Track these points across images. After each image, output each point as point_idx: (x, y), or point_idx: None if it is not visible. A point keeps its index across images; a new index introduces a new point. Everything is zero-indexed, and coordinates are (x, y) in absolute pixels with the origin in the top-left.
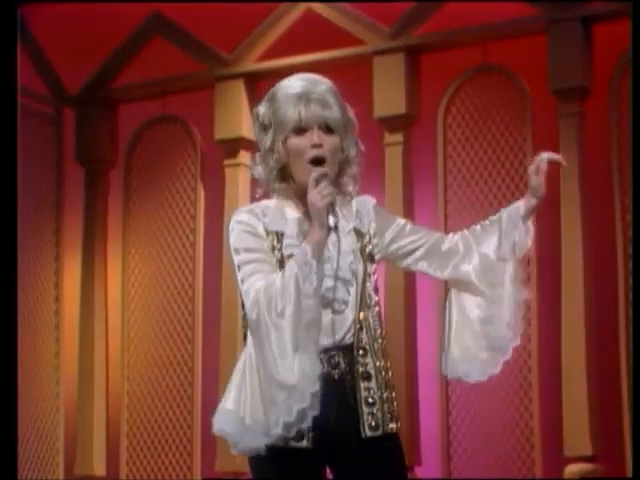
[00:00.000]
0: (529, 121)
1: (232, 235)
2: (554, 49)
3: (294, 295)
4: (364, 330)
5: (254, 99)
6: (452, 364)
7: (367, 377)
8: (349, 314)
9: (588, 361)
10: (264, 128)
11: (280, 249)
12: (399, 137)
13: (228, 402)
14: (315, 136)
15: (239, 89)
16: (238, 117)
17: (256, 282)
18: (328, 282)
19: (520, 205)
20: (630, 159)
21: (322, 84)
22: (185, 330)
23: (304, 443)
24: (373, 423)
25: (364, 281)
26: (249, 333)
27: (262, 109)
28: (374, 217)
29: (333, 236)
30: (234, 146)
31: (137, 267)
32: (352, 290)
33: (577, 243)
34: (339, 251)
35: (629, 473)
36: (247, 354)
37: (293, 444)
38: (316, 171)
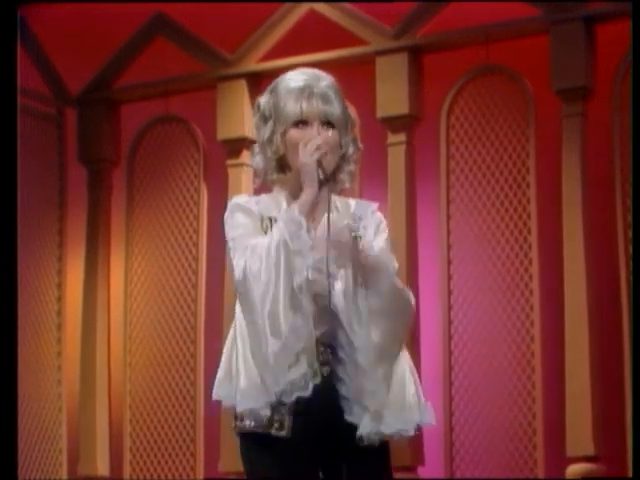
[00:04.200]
0: (532, 121)
1: (226, 215)
2: (557, 49)
3: (283, 252)
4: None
5: (256, 99)
6: None
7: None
8: (337, 308)
9: (591, 361)
10: (264, 119)
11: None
12: (402, 137)
13: (221, 370)
14: (315, 131)
15: (242, 89)
16: (241, 117)
17: (245, 252)
18: (314, 274)
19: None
20: (630, 159)
21: (324, 79)
22: (188, 330)
23: (283, 432)
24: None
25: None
26: (238, 300)
27: (263, 100)
28: (371, 225)
29: (324, 229)
30: (237, 146)
31: (140, 267)
32: (337, 286)
33: (579, 243)
34: (328, 216)
35: (631, 473)
36: (237, 322)
37: (273, 432)
38: (305, 137)
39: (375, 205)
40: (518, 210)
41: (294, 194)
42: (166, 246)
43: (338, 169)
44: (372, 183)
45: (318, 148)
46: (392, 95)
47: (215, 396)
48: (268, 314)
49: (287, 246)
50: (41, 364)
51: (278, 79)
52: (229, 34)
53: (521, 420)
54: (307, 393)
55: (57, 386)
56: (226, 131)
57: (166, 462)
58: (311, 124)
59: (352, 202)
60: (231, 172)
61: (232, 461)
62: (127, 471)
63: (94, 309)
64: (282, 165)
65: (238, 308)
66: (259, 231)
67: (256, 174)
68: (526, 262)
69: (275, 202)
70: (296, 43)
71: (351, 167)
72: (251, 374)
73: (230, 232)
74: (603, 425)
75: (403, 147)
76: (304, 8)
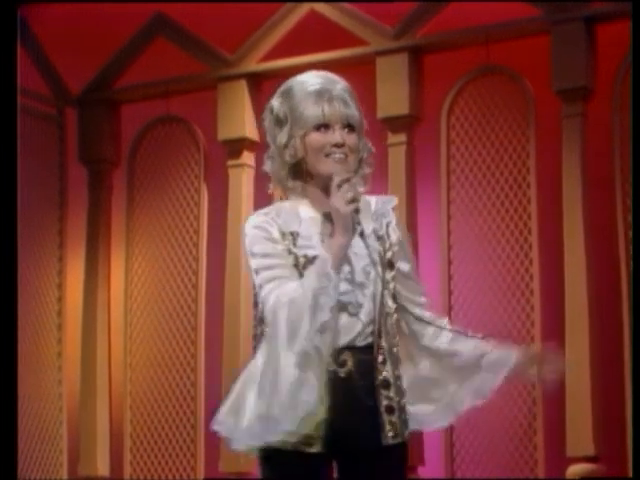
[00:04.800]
0: (532, 122)
1: (247, 239)
2: (557, 49)
3: (311, 306)
4: (383, 338)
5: (257, 99)
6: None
7: (386, 385)
8: (363, 317)
9: (591, 362)
10: (279, 123)
11: (295, 250)
12: (402, 137)
13: (228, 405)
14: (337, 134)
15: (242, 89)
16: (241, 117)
17: (273, 289)
18: (343, 286)
19: (512, 359)
20: (630, 159)
21: (339, 82)
22: (188, 331)
23: (314, 448)
24: (393, 432)
25: (383, 288)
26: (265, 338)
27: (276, 103)
28: (394, 223)
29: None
30: (237, 146)
31: (140, 268)
32: (367, 292)
33: (579, 243)
34: (354, 254)
35: (631, 473)
36: (263, 355)
37: (303, 448)
38: (338, 175)
39: (395, 201)
40: (518, 210)
41: (314, 202)
42: (166, 247)
43: (355, 173)
44: (372, 183)
45: (355, 200)
46: (392, 95)
47: (217, 428)
48: (285, 366)
49: (317, 300)
50: (41, 364)
51: (291, 82)
52: (229, 34)
53: (521, 420)
54: (312, 449)
55: (57, 386)
56: (226, 131)
57: (166, 462)
58: (332, 127)
59: (372, 200)
60: (231, 172)
61: (232, 461)
62: (127, 471)
63: (94, 309)
64: (298, 171)
65: (264, 342)
66: (282, 258)
67: (271, 180)
68: (527, 262)
69: (294, 213)
70: (296, 43)
71: (365, 170)
72: (261, 411)
73: (253, 261)
74: (603, 425)
75: (403, 147)
76: (304, 8)
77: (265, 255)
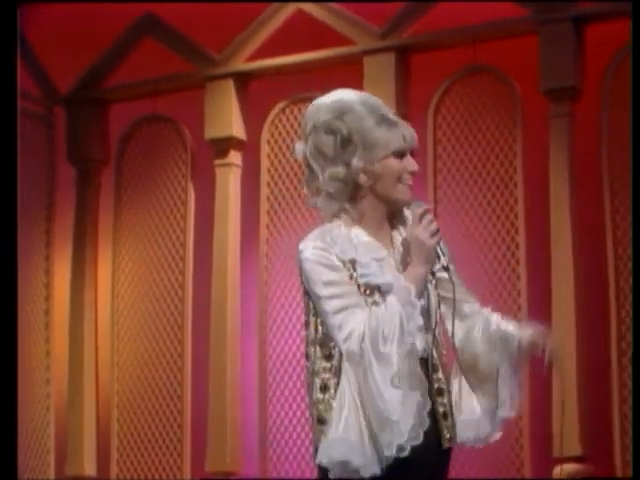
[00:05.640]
0: (519, 122)
1: (307, 268)
2: (545, 49)
3: (398, 333)
4: (435, 347)
5: (244, 99)
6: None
7: (441, 392)
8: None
9: (578, 362)
10: (347, 144)
11: (356, 277)
12: None
13: (339, 431)
14: (412, 161)
15: (229, 89)
16: (228, 117)
17: (348, 317)
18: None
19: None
20: (630, 159)
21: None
22: (175, 330)
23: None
24: (449, 436)
25: (428, 298)
26: (347, 364)
27: (339, 124)
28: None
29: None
30: (224, 146)
31: (127, 267)
32: (421, 306)
33: (567, 243)
34: (453, 285)
35: (618, 473)
36: (349, 384)
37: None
38: (418, 205)
39: (424, 206)
40: (505, 210)
41: (372, 227)
42: (153, 246)
43: None
44: None
45: (438, 231)
46: (379, 95)
47: (329, 456)
48: (383, 389)
49: (403, 326)
50: (29, 363)
51: (347, 100)
52: (217, 34)
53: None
54: (419, 441)
55: (46, 385)
56: (214, 131)
57: (153, 462)
58: (406, 154)
59: (408, 213)
60: (219, 172)
61: (219, 461)
62: (114, 471)
63: (81, 308)
64: (356, 194)
65: (348, 370)
66: (347, 284)
67: (324, 206)
68: (513, 262)
69: (348, 240)
70: (284, 43)
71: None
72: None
73: (316, 290)
74: (590, 425)
75: None
76: (291, 8)
77: (328, 283)
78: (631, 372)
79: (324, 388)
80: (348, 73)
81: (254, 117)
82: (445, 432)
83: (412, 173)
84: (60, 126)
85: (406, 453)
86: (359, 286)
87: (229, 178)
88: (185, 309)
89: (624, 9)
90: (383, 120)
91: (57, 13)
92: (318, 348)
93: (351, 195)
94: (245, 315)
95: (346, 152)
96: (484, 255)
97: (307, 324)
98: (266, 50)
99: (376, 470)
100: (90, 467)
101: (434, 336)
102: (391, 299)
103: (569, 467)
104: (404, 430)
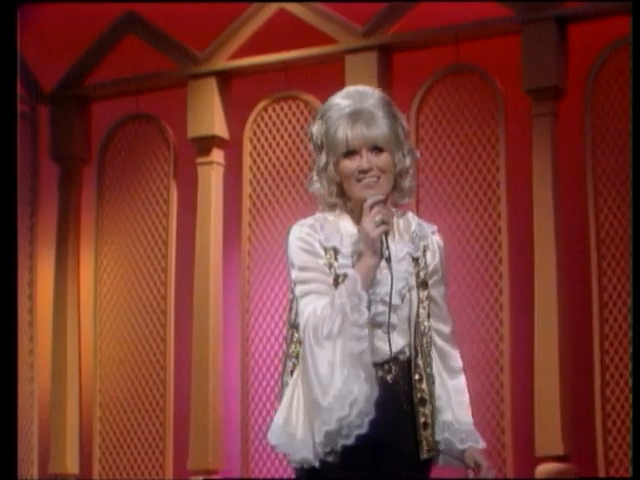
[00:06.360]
0: (502, 121)
1: (290, 250)
2: (528, 49)
3: (340, 322)
4: (419, 356)
5: (227, 97)
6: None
7: (423, 403)
8: (398, 339)
9: (560, 361)
10: (318, 148)
11: (335, 266)
12: None
13: (280, 418)
14: (364, 160)
15: (212, 87)
16: (211, 115)
17: (309, 303)
18: (378, 307)
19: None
20: (630, 158)
21: (370, 98)
22: (157, 328)
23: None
24: (427, 446)
25: (417, 308)
26: (302, 350)
27: (315, 128)
28: (433, 247)
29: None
30: (207, 144)
31: (109, 265)
32: (402, 314)
33: (550, 242)
34: (391, 277)
35: (601, 473)
36: (299, 371)
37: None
38: (370, 197)
39: (435, 227)
40: (488, 209)
41: (355, 220)
42: (136, 244)
43: (395, 186)
44: None
45: (385, 222)
46: None
47: (271, 441)
48: (316, 375)
49: (346, 316)
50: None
51: (326, 104)
52: (199, 33)
53: (489, 419)
54: (361, 431)
55: (29, 383)
56: (196, 129)
57: (135, 460)
58: (359, 152)
59: (413, 220)
60: (201, 170)
61: (201, 459)
62: (96, 469)
63: (64, 307)
64: (341, 190)
65: (301, 358)
66: (322, 272)
67: (318, 200)
68: (496, 261)
69: (336, 229)
70: (266, 41)
71: (407, 183)
72: (308, 424)
73: (293, 272)
74: (572, 425)
75: None
76: (273, 7)
77: (303, 268)
78: (631, 372)
79: (291, 372)
80: (330, 72)
81: (236, 115)
82: (424, 443)
83: (362, 171)
84: (43, 124)
85: (340, 443)
86: (338, 275)
87: (211, 176)
88: (167, 307)
89: (607, 9)
90: (338, 121)
91: (39, 12)
92: (294, 331)
93: (338, 193)
94: (227, 313)
95: (317, 154)
96: (466, 254)
97: (290, 308)
98: (248, 48)
99: (311, 459)
100: (73, 465)
101: (415, 345)
102: (340, 289)
103: (551, 466)
104: (335, 417)
